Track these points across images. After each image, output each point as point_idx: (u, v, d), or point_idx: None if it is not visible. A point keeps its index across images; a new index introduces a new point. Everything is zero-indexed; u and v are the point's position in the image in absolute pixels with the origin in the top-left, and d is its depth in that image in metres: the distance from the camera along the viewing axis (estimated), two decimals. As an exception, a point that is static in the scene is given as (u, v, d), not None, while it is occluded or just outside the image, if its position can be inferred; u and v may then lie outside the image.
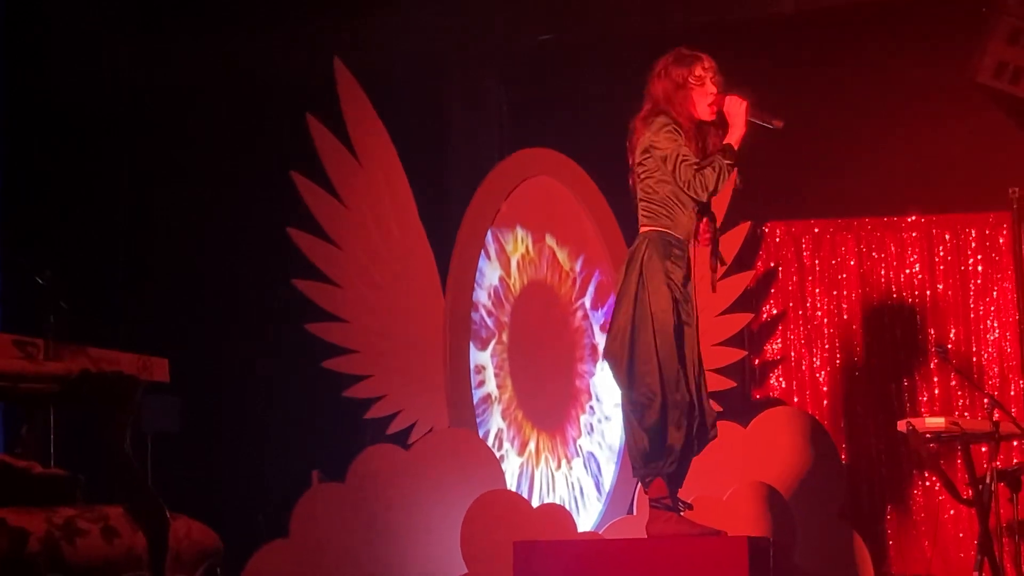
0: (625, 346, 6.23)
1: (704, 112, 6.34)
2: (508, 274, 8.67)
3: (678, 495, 6.35)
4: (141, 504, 4.12)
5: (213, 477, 8.46)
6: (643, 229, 6.36)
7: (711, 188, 6.21)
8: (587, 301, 9.08)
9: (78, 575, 3.95)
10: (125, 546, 3.99)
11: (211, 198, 8.66)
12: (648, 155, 6.31)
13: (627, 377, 6.25)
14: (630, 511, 8.50)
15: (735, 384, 9.21)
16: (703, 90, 6.32)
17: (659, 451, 6.23)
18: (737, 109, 6.27)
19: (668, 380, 6.19)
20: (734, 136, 6.28)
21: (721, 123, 6.36)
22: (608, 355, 6.35)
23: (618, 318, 6.30)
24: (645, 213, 6.37)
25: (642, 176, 6.36)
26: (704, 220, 6.45)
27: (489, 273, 8.52)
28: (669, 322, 6.20)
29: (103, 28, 8.52)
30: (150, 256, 8.66)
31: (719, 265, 6.54)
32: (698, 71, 6.33)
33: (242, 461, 8.66)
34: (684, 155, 6.22)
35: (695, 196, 6.24)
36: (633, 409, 6.26)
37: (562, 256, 9.02)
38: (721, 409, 8.91)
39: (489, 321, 8.50)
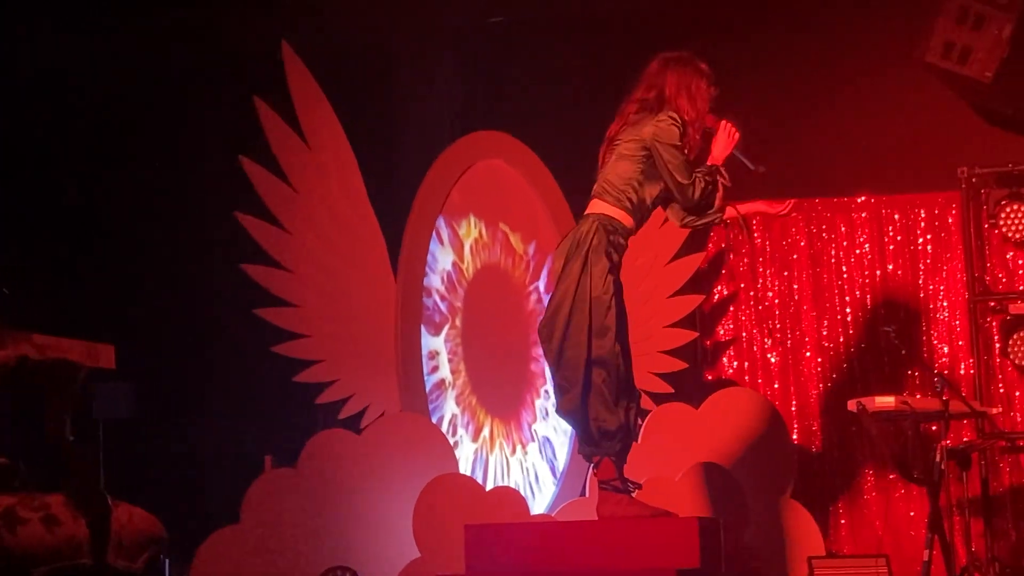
0: (560, 326, 6.26)
1: (694, 117, 6.41)
2: (461, 258, 8.65)
3: (626, 476, 6.37)
4: (82, 492, 4.09)
5: (165, 463, 8.42)
6: (597, 207, 6.35)
7: (698, 197, 6.33)
8: (541, 285, 9.07)
9: (19, 564, 3.93)
10: (66, 534, 3.96)
11: (160, 183, 8.60)
12: (640, 141, 6.32)
13: (555, 357, 6.29)
14: (583, 493, 8.52)
15: (687, 365, 9.23)
16: (704, 100, 6.42)
17: (585, 434, 6.27)
18: (726, 138, 6.41)
19: (607, 364, 6.20)
20: (718, 160, 6.43)
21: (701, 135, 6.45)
22: (542, 331, 6.36)
23: (556, 296, 6.32)
24: (608, 189, 6.34)
25: (625, 156, 6.35)
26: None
27: (442, 258, 8.50)
28: (606, 307, 6.21)
29: (47, 11, 8.45)
30: (100, 242, 8.60)
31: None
32: (707, 85, 6.44)
33: (194, 447, 8.62)
34: (687, 159, 6.34)
35: (689, 193, 6.30)
36: (555, 390, 6.33)
37: (515, 239, 9.01)
38: (672, 390, 9.00)
39: (442, 306, 8.48)
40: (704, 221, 6.63)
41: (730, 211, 6.66)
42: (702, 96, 6.42)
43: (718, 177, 6.38)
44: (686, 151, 6.35)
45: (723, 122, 6.43)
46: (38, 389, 4.25)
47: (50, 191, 8.48)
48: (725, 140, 6.41)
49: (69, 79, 8.68)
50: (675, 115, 6.33)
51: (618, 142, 6.40)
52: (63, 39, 8.52)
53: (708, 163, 6.42)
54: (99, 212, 8.60)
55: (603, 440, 6.26)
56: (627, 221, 6.34)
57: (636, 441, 6.44)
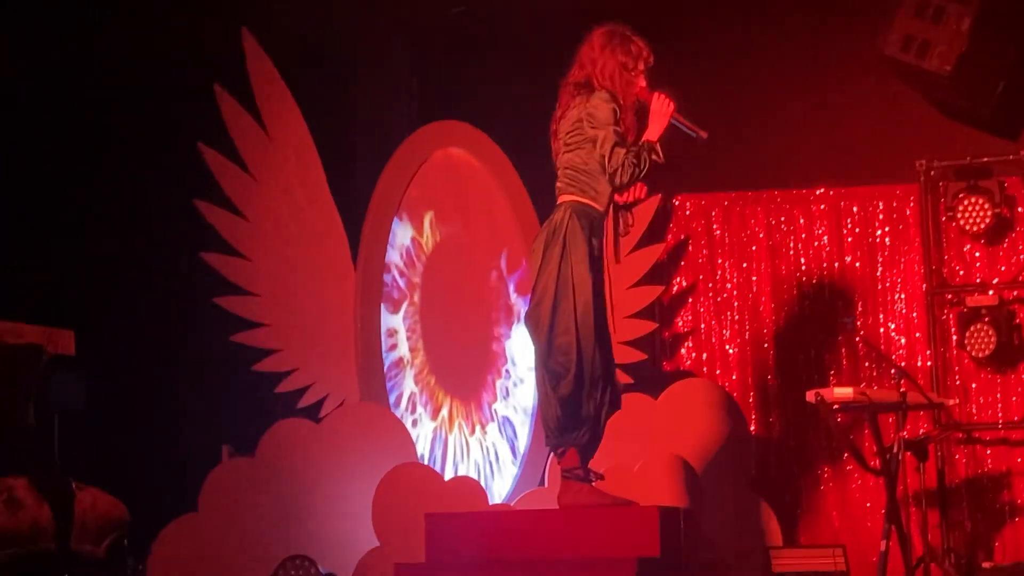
0: (547, 314, 6.27)
1: (628, 98, 6.38)
2: (420, 232, 8.61)
3: (589, 465, 6.37)
4: (46, 475, 4.05)
5: (121, 453, 8.37)
6: (566, 198, 6.37)
7: (628, 180, 6.28)
8: (503, 263, 9.04)
9: (-20, 547, 3.89)
10: (30, 518, 3.93)
11: (118, 170, 8.55)
12: (579, 125, 6.32)
13: (546, 344, 6.28)
14: (541, 483, 8.52)
15: (646, 356, 9.22)
16: (637, 79, 6.40)
17: (572, 421, 6.27)
18: (663, 109, 6.34)
19: (585, 351, 6.22)
20: (654, 134, 6.34)
21: (639, 113, 6.41)
22: (529, 320, 6.37)
23: (539, 285, 6.32)
24: (570, 182, 6.38)
25: (572, 146, 6.37)
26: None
27: (401, 233, 8.47)
28: (589, 293, 6.24)
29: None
30: (57, 228, 8.54)
31: (621, 235, 6.62)
32: (639, 63, 6.40)
33: (151, 436, 8.57)
34: (618, 140, 6.26)
35: (616, 180, 6.26)
36: (549, 378, 6.30)
37: (475, 214, 8.98)
38: (632, 381, 9.00)
39: (401, 282, 8.45)
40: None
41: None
42: (629, 77, 6.36)
43: (651, 155, 6.29)
44: (621, 131, 6.29)
45: (655, 94, 6.39)
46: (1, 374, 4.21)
47: (6, 179, 8.41)
48: (660, 112, 6.35)
49: (25, 67, 8.61)
50: (606, 94, 6.31)
51: (561, 135, 6.42)
52: (23, 29, 8.45)
53: (644, 139, 6.34)
54: (58, 199, 8.53)
55: (576, 428, 6.28)
56: (598, 206, 6.36)
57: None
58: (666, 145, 6.55)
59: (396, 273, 8.41)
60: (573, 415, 6.26)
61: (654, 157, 6.29)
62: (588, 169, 6.34)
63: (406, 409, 8.30)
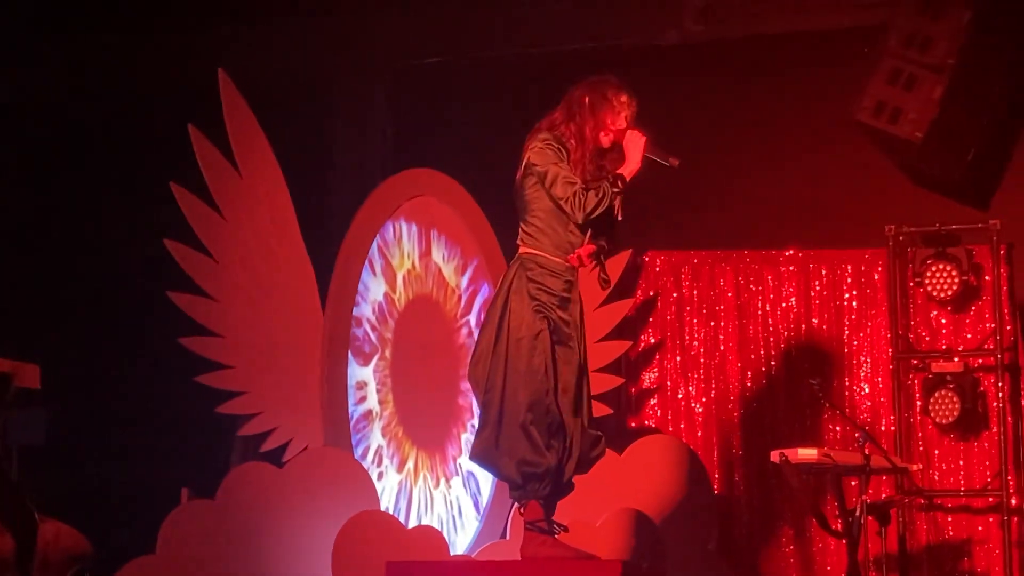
0: (485, 372, 6.27)
1: (601, 139, 6.33)
2: (393, 289, 8.60)
3: (553, 518, 6.35)
4: (9, 506, 4.01)
5: (80, 492, 8.30)
6: (520, 250, 6.36)
7: (588, 210, 6.20)
8: (472, 319, 9.04)
9: (-60, 579, 3.84)
10: (-9, 548, 3.88)
11: (88, 206, 8.52)
12: (530, 172, 6.31)
13: (481, 399, 6.34)
14: (503, 535, 8.47)
15: (611, 411, 9.21)
16: (614, 117, 6.33)
17: (502, 478, 6.30)
18: (636, 143, 6.28)
19: (535, 407, 6.18)
20: (628, 168, 6.29)
21: (618, 152, 6.37)
22: (470, 379, 6.39)
23: (481, 342, 6.35)
24: (524, 231, 6.37)
25: (523, 194, 6.36)
26: (588, 241, 6.44)
27: (374, 288, 8.45)
28: (526, 348, 6.20)
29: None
30: (23, 263, 8.50)
31: (604, 286, 6.59)
32: (623, 98, 6.34)
33: (110, 475, 8.51)
34: (565, 174, 6.22)
35: (570, 214, 6.22)
36: (476, 431, 6.35)
37: (448, 271, 8.97)
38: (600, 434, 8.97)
39: (373, 336, 8.43)
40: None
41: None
42: (600, 113, 6.31)
43: (610, 189, 6.21)
44: (564, 167, 6.22)
45: (627, 132, 6.32)
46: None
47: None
48: (633, 148, 6.28)
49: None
50: (545, 135, 6.30)
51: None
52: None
53: (617, 171, 6.28)
54: (27, 234, 8.50)
55: (530, 483, 6.24)
56: (552, 255, 6.31)
57: (567, 479, 6.39)
58: (639, 202, 6.56)
59: (368, 327, 8.38)
60: (500, 472, 6.27)
61: (614, 190, 6.21)
62: (538, 217, 6.31)
63: (373, 462, 8.26)
